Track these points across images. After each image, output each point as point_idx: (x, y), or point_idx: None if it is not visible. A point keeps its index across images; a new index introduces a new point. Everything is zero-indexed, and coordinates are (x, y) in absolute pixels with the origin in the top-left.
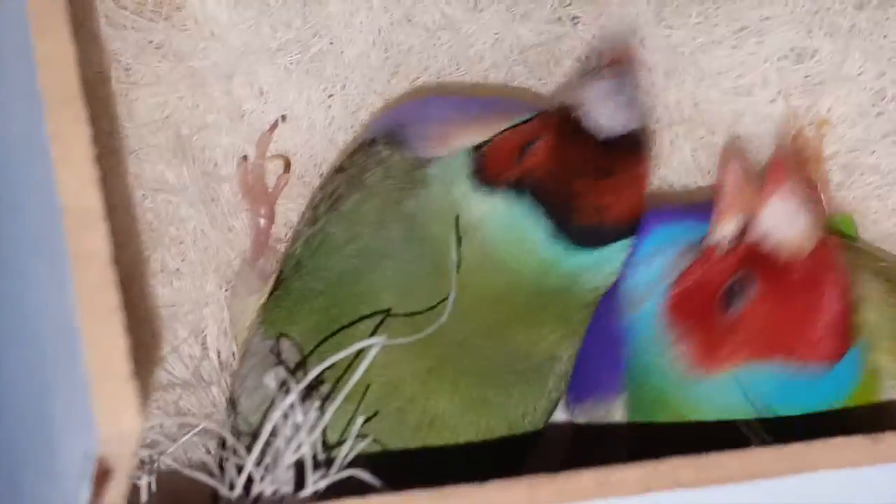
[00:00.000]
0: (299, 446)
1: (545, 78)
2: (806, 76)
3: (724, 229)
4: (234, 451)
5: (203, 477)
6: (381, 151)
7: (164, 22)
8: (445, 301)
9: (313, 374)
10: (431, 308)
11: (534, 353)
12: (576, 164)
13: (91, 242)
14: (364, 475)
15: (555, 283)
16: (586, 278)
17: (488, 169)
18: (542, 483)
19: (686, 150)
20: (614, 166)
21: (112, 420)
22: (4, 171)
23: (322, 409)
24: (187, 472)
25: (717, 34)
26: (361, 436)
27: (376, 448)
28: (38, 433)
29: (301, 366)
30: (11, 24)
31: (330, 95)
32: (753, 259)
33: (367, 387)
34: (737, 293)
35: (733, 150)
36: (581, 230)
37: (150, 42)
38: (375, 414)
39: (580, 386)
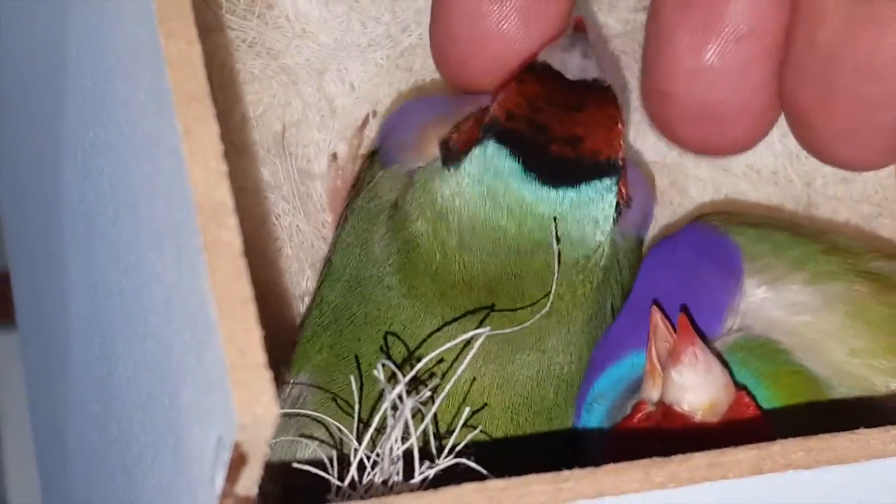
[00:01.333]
0: (407, 436)
1: (631, 66)
2: None
3: (650, 390)
4: (341, 442)
5: (315, 469)
6: (372, 168)
7: (256, 20)
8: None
9: (419, 365)
10: (533, 303)
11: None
12: (541, 99)
13: (223, 235)
14: (471, 463)
15: (536, 233)
16: (569, 228)
17: (456, 147)
18: (656, 465)
19: (774, 135)
20: (584, 101)
21: (248, 408)
22: (126, 172)
23: (432, 399)
24: (297, 464)
25: None
26: (471, 426)
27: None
28: (161, 423)
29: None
30: (128, 28)
31: (420, 89)
32: (670, 421)
33: (474, 379)
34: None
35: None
36: (555, 162)
37: (244, 41)
38: (484, 406)
39: None
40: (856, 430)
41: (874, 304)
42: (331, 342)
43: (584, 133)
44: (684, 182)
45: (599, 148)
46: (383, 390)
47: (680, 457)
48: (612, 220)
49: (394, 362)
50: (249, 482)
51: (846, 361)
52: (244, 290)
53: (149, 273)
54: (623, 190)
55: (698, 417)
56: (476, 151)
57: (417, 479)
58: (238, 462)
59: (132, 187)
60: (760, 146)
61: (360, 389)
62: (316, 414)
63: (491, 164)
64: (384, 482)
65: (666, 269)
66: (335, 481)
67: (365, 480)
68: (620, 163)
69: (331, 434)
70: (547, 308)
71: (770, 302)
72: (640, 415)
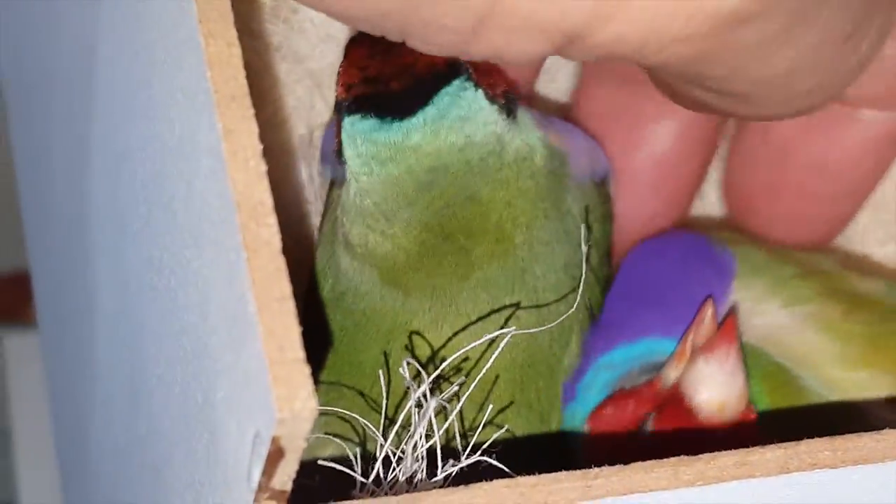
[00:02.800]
0: (431, 434)
1: None
2: None
3: (671, 371)
4: (365, 438)
5: (339, 466)
6: (331, 191)
7: (282, 24)
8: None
9: (446, 363)
10: (561, 298)
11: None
12: (365, 56)
13: (263, 233)
14: (493, 461)
15: (434, 161)
16: (448, 137)
17: (337, 153)
18: (684, 464)
19: None
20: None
21: (287, 402)
22: (161, 170)
23: (457, 397)
24: (322, 462)
25: None
26: (497, 425)
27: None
28: (195, 420)
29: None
30: (165, 29)
31: None
32: (672, 406)
33: (496, 377)
34: (643, 428)
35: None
36: (402, 96)
37: (269, 45)
38: (510, 404)
39: None
40: (882, 430)
41: (845, 322)
42: (331, 362)
43: (412, 58)
44: (704, 186)
45: (432, 61)
46: (408, 388)
47: (708, 455)
48: (485, 110)
49: (418, 361)
50: (286, 476)
51: (825, 370)
52: (283, 287)
53: (184, 271)
54: (497, 87)
55: (703, 415)
56: (346, 142)
57: (441, 476)
58: (275, 456)
59: (166, 186)
60: None
61: (388, 386)
62: (342, 411)
63: (358, 138)
64: (408, 479)
65: (657, 257)
66: (360, 478)
67: (389, 477)
68: (462, 64)
69: (356, 431)
70: (574, 307)
71: (749, 313)
72: (644, 386)
